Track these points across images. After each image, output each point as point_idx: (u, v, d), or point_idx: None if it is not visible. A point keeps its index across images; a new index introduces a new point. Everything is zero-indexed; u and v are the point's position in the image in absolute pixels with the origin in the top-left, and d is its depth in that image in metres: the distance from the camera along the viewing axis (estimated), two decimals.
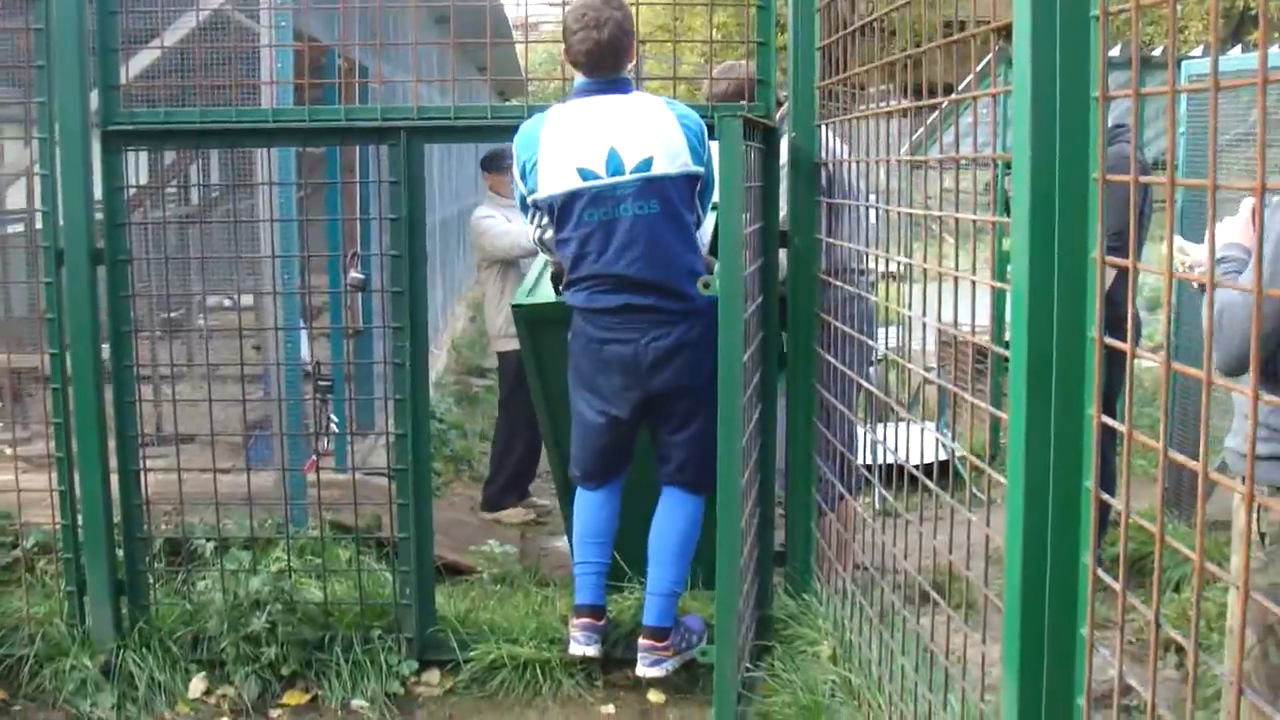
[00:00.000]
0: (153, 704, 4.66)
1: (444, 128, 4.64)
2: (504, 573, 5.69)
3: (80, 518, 4.77)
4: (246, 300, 7.41)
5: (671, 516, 4.62)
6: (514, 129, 4.50)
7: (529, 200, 4.51)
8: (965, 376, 6.87)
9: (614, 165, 4.33)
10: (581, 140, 4.37)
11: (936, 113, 9.50)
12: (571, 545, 4.81)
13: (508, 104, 4.54)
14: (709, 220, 4.50)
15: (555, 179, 4.39)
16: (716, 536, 3.94)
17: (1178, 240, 3.41)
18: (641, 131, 4.35)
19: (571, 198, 4.37)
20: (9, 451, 7.18)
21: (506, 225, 7.22)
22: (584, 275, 4.43)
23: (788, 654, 4.59)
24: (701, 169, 4.39)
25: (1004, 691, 2.62)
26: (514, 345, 6.63)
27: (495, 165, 7.47)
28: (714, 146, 4.10)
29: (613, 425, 4.58)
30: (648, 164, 4.33)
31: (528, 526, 7.29)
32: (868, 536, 4.38)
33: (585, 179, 4.35)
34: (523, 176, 4.49)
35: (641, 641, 4.57)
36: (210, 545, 5.22)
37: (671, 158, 4.34)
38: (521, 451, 7.32)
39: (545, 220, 4.53)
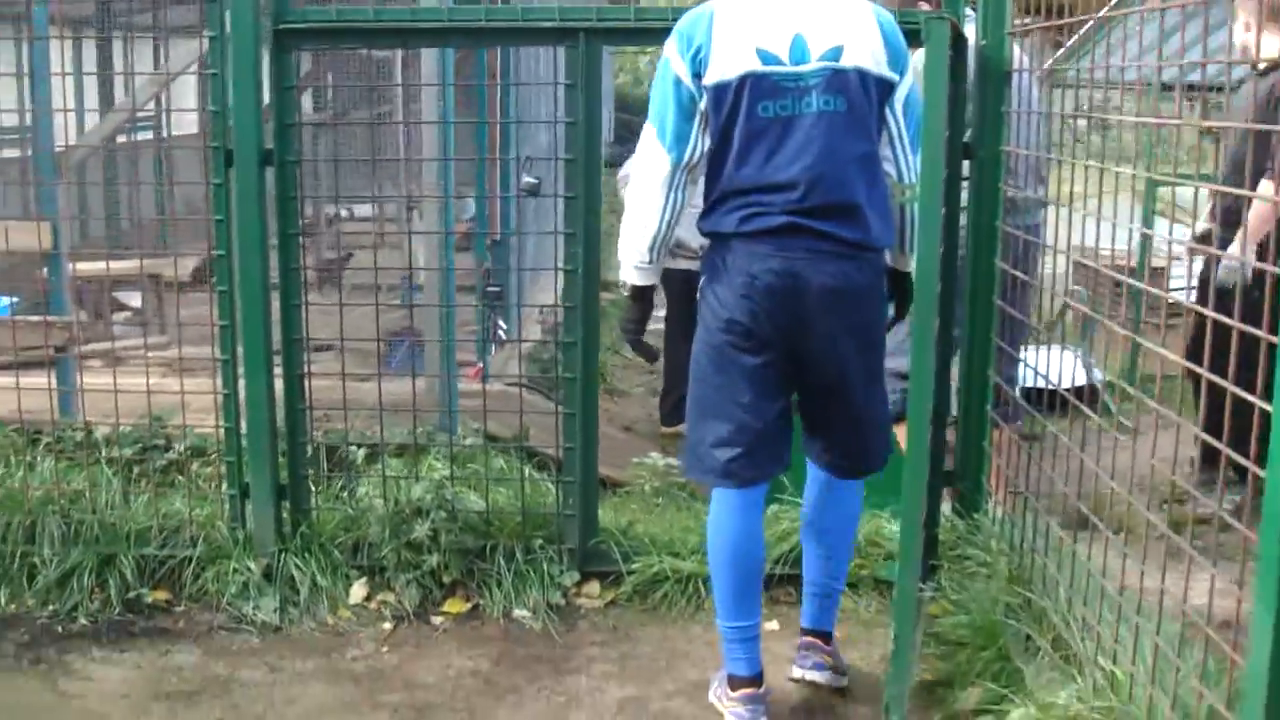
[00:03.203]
0: (315, 608, 4.66)
1: (623, 29, 4.50)
2: (665, 485, 5.64)
3: (244, 422, 4.76)
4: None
5: (834, 509, 4.03)
6: None
7: (699, 87, 3.66)
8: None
9: (798, 52, 3.60)
10: (762, 22, 3.63)
11: None
12: (711, 575, 4.03)
13: (688, 5, 4.34)
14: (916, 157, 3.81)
15: (729, 62, 3.60)
16: (905, 458, 3.79)
17: None
18: (832, 17, 3.65)
19: (745, 83, 3.59)
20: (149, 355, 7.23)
21: None
22: (740, 189, 3.65)
23: (958, 574, 4.50)
24: (897, 77, 3.72)
25: (1256, 627, 2.52)
26: (678, 265, 6.61)
27: None
28: (915, 59, 3.80)
29: (768, 380, 3.74)
30: (837, 52, 3.60)
31: None
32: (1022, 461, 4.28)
33: (766, 63, 3.59)
34: (694, 70, 3.66)
35: (804, 639, 4.13)
36: (362, 452, 5.23)
37: (865, 52, 3.64)
38: None
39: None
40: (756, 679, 3.90)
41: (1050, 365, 4.25)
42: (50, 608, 4.70)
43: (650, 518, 5.10)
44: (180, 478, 5.31)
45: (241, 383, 4.72)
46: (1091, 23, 5.55)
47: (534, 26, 4.53)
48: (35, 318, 6.06)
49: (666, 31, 4.48)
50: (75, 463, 5.25)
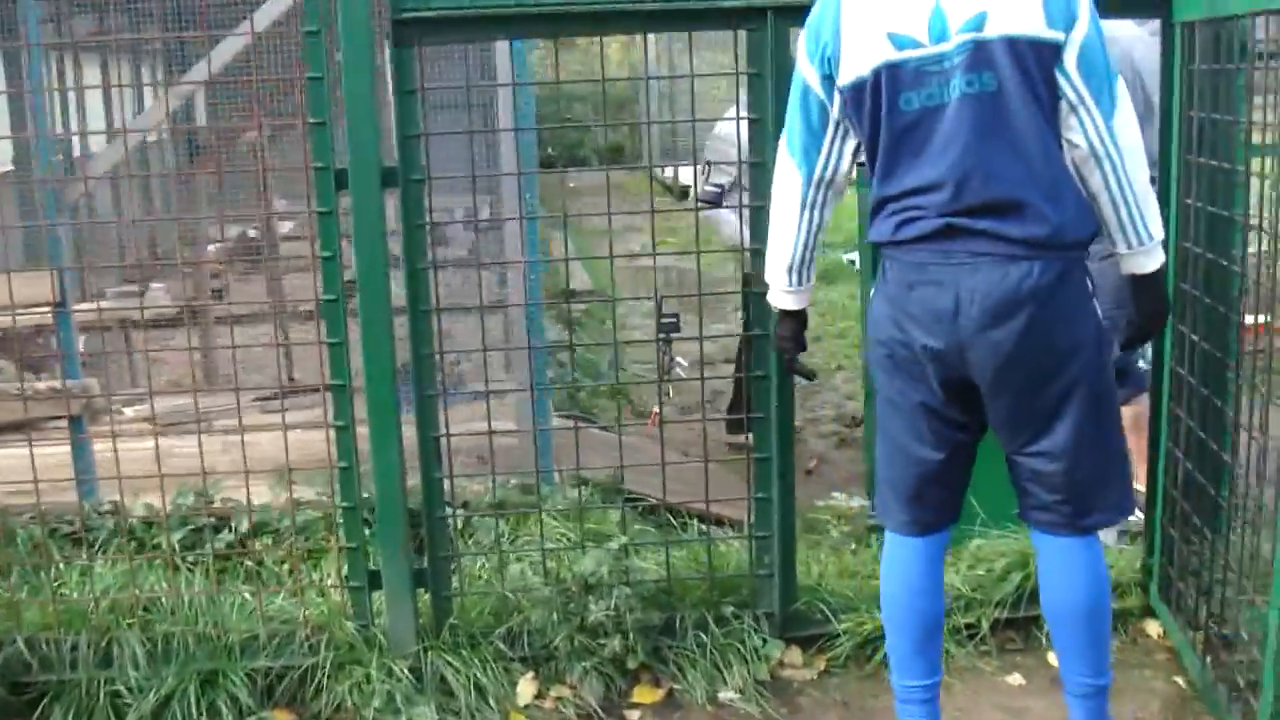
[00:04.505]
0: (480, 715, 3.86)
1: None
2: (855, 531, 4.89)
3: (372, 498, 3.96)
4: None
5: (1069, 581, 3.26)
6: None
7: (832, 92, 3.17)
8: None
9: (939, 29, 3.01)
10: (895, 1, 3.08)
11: None
12: (884, 628, 3.53)
13: None
14: (1131, 119, 3.08)
15: (861, 56, 3.07)
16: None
17: None
18: None
19: (881, 76, 3.05)
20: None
21: None
22: (893, 195, 3.12)
23: None
24: (1061, 34, 2.97)
25: None
26: None
27: None
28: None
29: (927, 419, 3.22)
30: (979, 20, 2.97)
31: None
32: None
33: (901, 48, 3.02)
34: (824, 71, 3.16)
35: None
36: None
37: (1013, 14, 2.97)
38: None
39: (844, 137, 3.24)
40: None
41: None
42: None
43: (843, 567, 4.35)
44: (252, 565, 4.46)
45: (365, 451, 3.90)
46: None
47: (710, 8, 3.73)
48: (47, 385, 5.07)
49: None
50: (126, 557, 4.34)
